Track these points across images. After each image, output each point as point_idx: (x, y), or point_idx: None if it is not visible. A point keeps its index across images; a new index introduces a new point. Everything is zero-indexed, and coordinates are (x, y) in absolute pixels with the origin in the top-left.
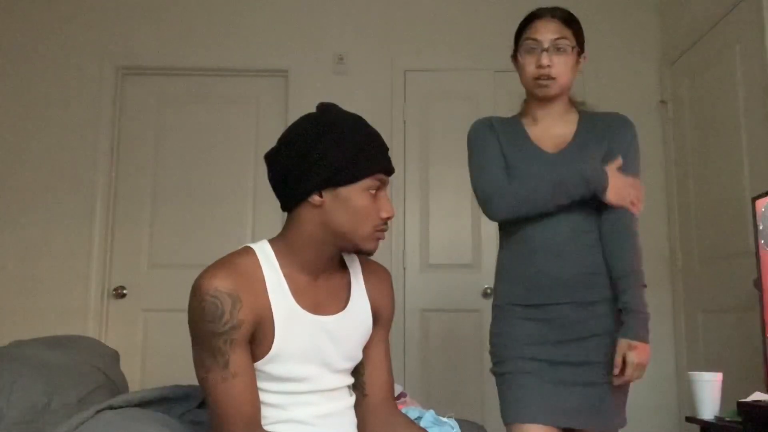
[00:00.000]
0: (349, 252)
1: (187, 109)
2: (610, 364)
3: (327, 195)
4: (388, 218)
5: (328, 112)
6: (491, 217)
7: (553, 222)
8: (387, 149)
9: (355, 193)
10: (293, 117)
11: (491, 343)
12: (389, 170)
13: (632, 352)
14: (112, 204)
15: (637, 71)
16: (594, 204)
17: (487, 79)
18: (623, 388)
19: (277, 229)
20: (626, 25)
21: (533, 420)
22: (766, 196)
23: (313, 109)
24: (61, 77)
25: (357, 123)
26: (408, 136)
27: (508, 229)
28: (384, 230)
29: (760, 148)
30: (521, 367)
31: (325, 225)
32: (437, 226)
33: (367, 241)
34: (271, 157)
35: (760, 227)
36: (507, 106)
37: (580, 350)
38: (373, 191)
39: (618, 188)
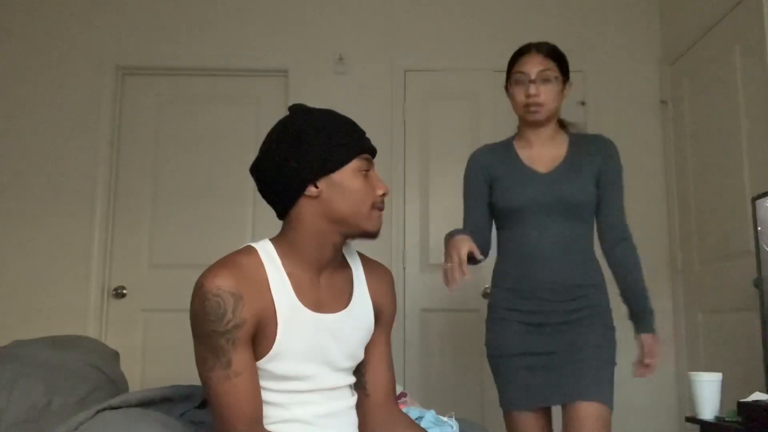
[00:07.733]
0: (354, 238)
1: (187, 109)
2: (598, 343)
3: (322, 184)
4: (384, 194)
5: (300, 109)
6: None
7: (541, 230)
8: (364, 132)
9: (348, 176)
10: None
11: (487, 337)
12: (373, 150)
13: (657, 345)
14: (112, 204)
15: (637, 71)
16: (583, 215)
17: (487, 79)
18: (611, 368)
19: (278, 229)
20: (626, 25)
21: (524, 407)
22: (766, 196)
23: None
24: (61, 77)
25: (331, 113)
26: (408, 136)
27: (504, 234)
28: (382, 209)
29: (760, 148)
30: (515, 362)
31: (327, 214)
32: (437, 226)
33: (369, 221)
34: (257, 167)
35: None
36: (507, 106)
37: (568, 338)
38: (364, 171)
39: (449, 249)
